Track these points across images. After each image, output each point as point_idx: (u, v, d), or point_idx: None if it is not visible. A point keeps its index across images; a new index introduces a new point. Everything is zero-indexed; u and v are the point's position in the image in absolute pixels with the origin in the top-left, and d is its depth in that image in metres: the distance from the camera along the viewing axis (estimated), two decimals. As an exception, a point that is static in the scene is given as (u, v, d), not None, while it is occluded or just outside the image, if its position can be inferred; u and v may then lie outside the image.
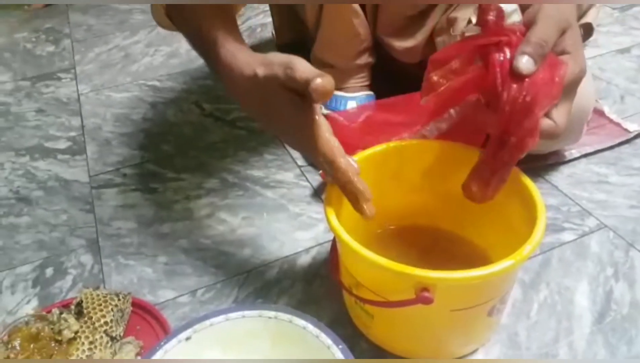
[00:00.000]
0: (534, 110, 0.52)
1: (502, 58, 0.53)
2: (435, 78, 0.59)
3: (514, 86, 0.52)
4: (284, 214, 0.85)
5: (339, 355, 0.56)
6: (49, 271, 0.79)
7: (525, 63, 0.52)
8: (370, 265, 0.54)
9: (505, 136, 0.54)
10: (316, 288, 0.73)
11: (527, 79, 0.52)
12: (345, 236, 0.56)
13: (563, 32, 0.55)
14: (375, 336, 0.65)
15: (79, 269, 0.79)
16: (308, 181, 0.91)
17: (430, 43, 0.90)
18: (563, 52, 0.55)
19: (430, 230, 0.73)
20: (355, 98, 0.97)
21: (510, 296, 0.69)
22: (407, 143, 0.69)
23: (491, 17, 0.55)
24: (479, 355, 0.64)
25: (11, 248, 0.83)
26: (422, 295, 0.52)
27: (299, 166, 0.94)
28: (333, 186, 0.61)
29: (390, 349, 0.64)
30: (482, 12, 0.55)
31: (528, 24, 0.55)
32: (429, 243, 0.72)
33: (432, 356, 0.64)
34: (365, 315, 0.62)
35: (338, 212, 0.59)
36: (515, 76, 0.52)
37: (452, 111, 0.65)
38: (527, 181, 0.61)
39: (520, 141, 0.53)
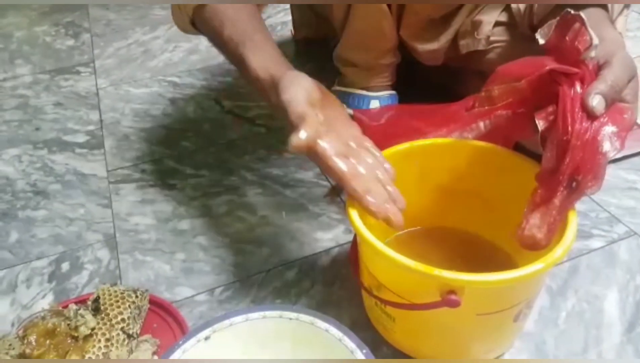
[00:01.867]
0: (602, 151, 0.50)
1: (573, 92, 0.52)
2: (496, 92, 0.57)
3: (586, 122, 0.51)
4: (303, 213, 0.84)
5: (362, 360, 0.54)
6: (65, 266, 0.78)
7: (598, 103, 0.50)
8: (395, 265, 0.52)
9: (576, 178, 0.51)
10: (336, 290, 0.71)
11: (596, 120, 0.51)
12: (368, 235, 0.54)
13: (629, 80, 0.54)
14: (396, 340, 0.63)
15: (95, 264, 0.78)
16: (328, 180, 0.89)
17: (454, 46, 0.88)
18: (622, 100, 0.54)
19: (455, 232, 0.71)
20: (378, 98, 0.95)
21: (536, 302, 0.68)
22: (432, 142, 0.67)
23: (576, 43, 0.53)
24: (504, 364, 0.62)
25: (27, 241, 0.82)
26: (449, 298, 0.51)
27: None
28: None
29: (412, 353, 0.62)
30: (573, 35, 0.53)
31: (601, 64, 0.53)
32: (453, 245, 0.70)
33: (455, 361, 0.62)
34: (386, 317, 0.61)
35: (360, 211, 0.58)
36: (587, 113, 0.51)
37: (481, 123, 0.63)
38: None
39: (588, 182, 0.51)
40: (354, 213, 0.57)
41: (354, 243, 0.63)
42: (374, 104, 0.95)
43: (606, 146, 0.51)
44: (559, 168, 0.52)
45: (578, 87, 0.52)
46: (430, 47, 0.89)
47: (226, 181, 0.91)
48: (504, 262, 0.66)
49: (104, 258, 0.79)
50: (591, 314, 0.67)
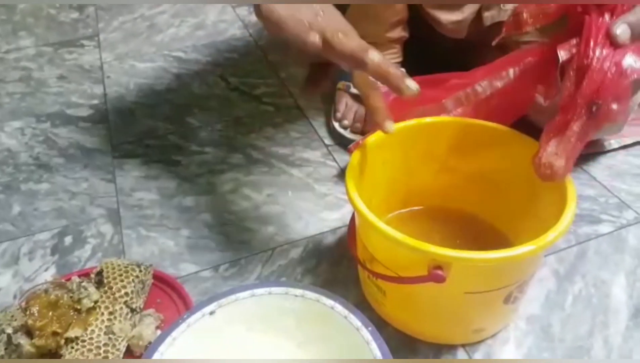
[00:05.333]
0: (626, 75, 0.49)
1: (600, 20, 0.51)
2: (525, 16, 0.56)
3: (608, 48, 0.50)
4: (309, 193, 0.83)
5: (368, 337, 0.54)
6: (68, 240, 0.77)
7: (623, 31, 0.50)
8: (385, 238, 0.52)
9: (596, 101, 0.50)
10: (342, 270, 0.70)
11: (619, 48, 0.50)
12: (362, 207, 0.54)
13: None
14: (386, 314, 0.63)
15: (98, 239, 0.77)
16: (335, 160, 0.88)
17: (478, 19, 0.86)
18: None
19: (457, 213, 0.71)
20: None
21: (541, 285, 0.67)
22: (440, 120, 0.66)
23: None
24: (510, 345, 0.62)
25: (30, 214, 0.82)
26: (435, 273, 0.50)
27: (326, 146, 0.91)
28: (356, 156, 0.60)
29: (401, 327, 0.62)
30: None
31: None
32: (454, 226, 0.69)
33: (443, 339, 0.62)
34: (377, 291, 0.60)
35: (360, 187, 0.57)
36: (610, 40, 0.50)
37: (510, 70, 0.61)
38: None
39: (609, 108, 0.50)
40: (351, 184, 0.56)
41: (353, 218, 0.63)
42: None
43: (629, 70, 0.50)
44: (577, 92, 0.51)
45: (607, 17, 0.51)
46: (454, 18, 0.86)
47: (232, 158, 0.90)
48: (504, 245, 0.66)
49: (107, 232, 0.78)
50: (598, 299, 0.66)
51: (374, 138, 0.63)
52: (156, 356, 0.51)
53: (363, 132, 0.89)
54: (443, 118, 0.66)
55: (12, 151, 0.94)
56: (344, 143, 0.90)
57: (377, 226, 0.52)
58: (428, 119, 0.66)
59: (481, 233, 0.69)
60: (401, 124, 0.64)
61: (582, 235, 0.74)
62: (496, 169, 0.65)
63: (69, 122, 1.01)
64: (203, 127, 0.97)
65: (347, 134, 0.90)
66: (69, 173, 0.89)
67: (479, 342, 0.62)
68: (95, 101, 1.07)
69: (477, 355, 0.61)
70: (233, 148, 0.92)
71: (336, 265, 0.71)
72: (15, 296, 0.67)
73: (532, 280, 0.59)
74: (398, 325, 0.63)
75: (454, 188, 0.69)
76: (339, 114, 0.91)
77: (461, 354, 0.61)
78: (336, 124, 0.91)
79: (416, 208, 0.71)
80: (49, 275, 0.71)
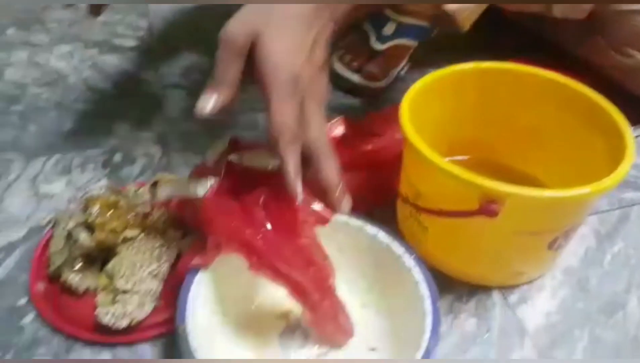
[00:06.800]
0: None
1: None
2: None
3: None
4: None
5: (411, 264, 0.55)
6: (118, 157, 0.79)
7: None
8: (439, 170, 0.52)
9: None
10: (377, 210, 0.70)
11: None
12: (415, 137, 0.54)
13: None
14: (427, 251, 0.62)
15: (147, 158, 0.78)
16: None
17: None
18: None
19: (503, 167, 0.70)
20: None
21: (582, 242, 0.68)
22: (498, 66, 0.65)
23: None
24: (545, 293, 0.63)
25: (80, 131, 0.83)
26: (488, 207, 0.51)
27: (370, 96, 0.92)
28: (411, 92, 0.60)
29: (441, 266, 0.62)
30: None
31: None
32: (499, 179, 0.69)
33: (482, 279, 0.63)
34: (418, 227, 0.61)
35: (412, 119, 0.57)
36: None
37: None
38: (615, 113, 0.58)
39: None
40: (405, 117, 0.56)
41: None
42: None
43: None
44: None
45: None
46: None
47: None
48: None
49: (155, 154, 0.79)
50: (636, 260, 0.67)
51: (428, 78, 0.63)
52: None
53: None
54: (501, 64, 0.65)
55: (62, 74, 0.96)
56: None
57: (430, 158, 0.52)
58: (485, 64, 0.65)
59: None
60: (457, 67, 0.64)
61: (626, 200, 0.74)
62: (550, 123, 0.65)
63: (115, 51, 1.02)
64: (246, 67, 0.97)
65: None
66: (117, 97, 0.90)
67: (515, 287, 0.64)
68: (141, 33, 1.07)
69: (512, 299, 0.62)
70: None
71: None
72: (69, 201, 0.69)
73: (575, 232, 0.60)
74: (436, 264, 0.62)
75: (502, 140, 0.69)
76: None
77: (496, 296, 0.63)
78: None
79: (460, 157, 0.71)
80: (100, 185, 0.73)
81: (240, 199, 0.55)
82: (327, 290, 0.53)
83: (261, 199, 0.55)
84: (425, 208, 0.58)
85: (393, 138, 0.66)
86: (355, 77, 0.90)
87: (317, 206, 0.58)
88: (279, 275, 0.51)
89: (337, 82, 0.92)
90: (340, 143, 0.69)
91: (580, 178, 0.52)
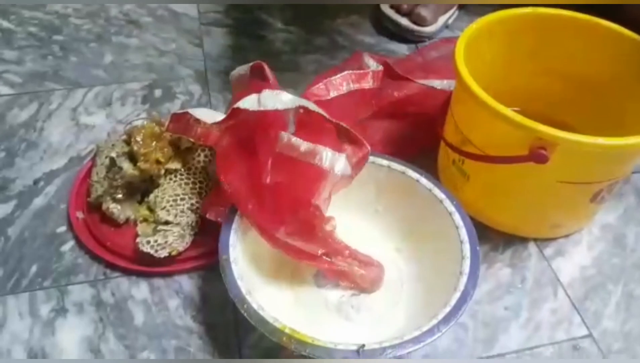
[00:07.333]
0: None
1: None
2: None
3: None
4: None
5: (452, 209, 0.56)
6: (158, 92, 0.79)
7: None
8: (491, 112, 0.51)
9: None
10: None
11: None
12: (470, 79, 0.53)
13: None
14: (465, 200, 0.60)
15: (187, 96, 0.79)
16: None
17: None
18: None
19: (552, 121, 0.68)
20: None
21: (618, 190, 0.66)
22: (547, 11, 0.63)
23: None
24: (582, 247, 0.63)
25: (121, 65, 0.84)
26: (538, 152, 0.50)
27: (416, 42, 0.90)
28: (466, 34, 0.58)
29: (478, 216, 0.61)
30: None
31: None
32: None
33: (519, 229, 0.63)
34: (459, 175, 0.60)
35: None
36: None
37: None
38: None
39: None
40: (460, 59, 0.55)
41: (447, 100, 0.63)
42: None
43: None
44: None
45: None
46: None
47: (316, 41, 0.90)
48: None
49: (195, 92, 0.80)
50: (675, 220, 0.67)
51: (484, 21, 0.61)
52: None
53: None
54: (560, 11, 0.63)
55: (103, 5, 0.95)
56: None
57: (484, 99, 0.52)
58: (543, 9, 0.63)
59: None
60: (514, 11, 0.62)
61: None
62: (605, 74, 0.63)
63: (156, -14, 1.01)
64: (289, 6, 0.96)
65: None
66: (158, 32, 0.90)
67: (552, 239, 0.63)
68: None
69: (548, 251, 0.63)
70: (318, 31, 0.92)
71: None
72: (109, 134, 0.70)
73: (618, 187, 0.59)
74: (475, 213, 0.62)
75: (553, 91, 0.67)
76: None
77: (532, 248, 0.63)
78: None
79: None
80: (140, 120, 0.74)
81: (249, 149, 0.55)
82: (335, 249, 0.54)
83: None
84: (472, 154, 0.57)
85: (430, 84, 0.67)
86: (403, 20, 0.89)
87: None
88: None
89: (385, 24, 0.91)
90: (377, 91, 0.69)
91: (628, 133, 0.50)
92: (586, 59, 0.64)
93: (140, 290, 0.57)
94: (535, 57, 0.66)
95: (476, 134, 0.57)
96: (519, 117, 0.50)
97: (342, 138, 0.56)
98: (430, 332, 0.46)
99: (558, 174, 0.54)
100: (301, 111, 0.55)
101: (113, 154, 0.59)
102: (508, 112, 0.51)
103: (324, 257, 0.54)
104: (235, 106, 0.54)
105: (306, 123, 0.56)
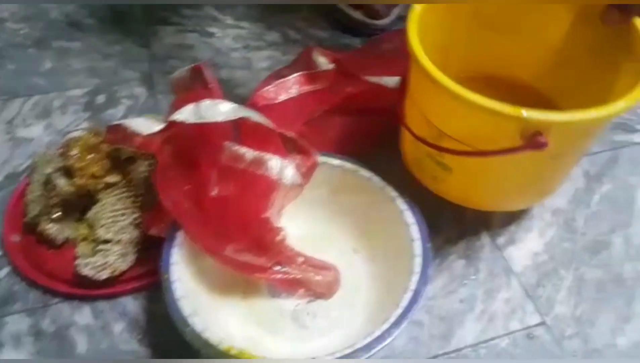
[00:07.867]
0: None
1: None
2: None
3: None
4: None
5: (403, 207, 0.56)
6: (101, 98, 0.77)
7: None
8: (476, 109, 0.46)
9: None
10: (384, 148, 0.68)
11: None
12: (439, 74, 0.48)
13: None
14: (448, 190, 0.59)
15: (132, 100, 0.77)
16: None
17: None
18: None
19: (517, 87, 0.66)
20: None
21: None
22: None
23: None
24: (533, 234, 0.63)
25: (62, 71, 0.81)
26: (535, 140, 0.46)
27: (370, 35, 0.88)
28: (415, 14, 0.54)
29: (464, 202, 0.60)
30: None
31: None
32: (506, 98, 0.56)
33: (503, 206, 0.62)
34: (439, 168, 0.56)
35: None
36: None
37: None
38: None
39: None
40: (416, 42, 0.51)
41: (403, 87, 0.58)
42: None
43: None
44: None
45: None
46: None
47: (268, 36, 0.88)
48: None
49: (141, 95, 0.78)
50: (624, 201, 0.67)
51: None
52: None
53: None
54: None
55: (43, 7, 0.92)
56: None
57: (459, 93, 0.47)
58: None
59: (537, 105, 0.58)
60: None
61: (616, 142, 0.74)
62: (576, 38, 0.60)
63: (99, -16, 0.98)
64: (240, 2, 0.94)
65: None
66: (101, 34, 0.87)
67: (503, 228, 0.64)
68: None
69: (500, 240, 0.63)
70: (270, 25, 0.90)
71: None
72: (48, 147, 0.68)
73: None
74: (460, 200, 0.60)
75: (520, 55, 0.65)
76: None
77: (484, 238, 0.63)
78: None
79: (466, 75, 0.59)
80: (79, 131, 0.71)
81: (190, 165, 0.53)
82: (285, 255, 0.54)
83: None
84: (454, 149, 0.53)
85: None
86: (356, 14, 0.87)
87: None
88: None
89: (337, 17, 0.89)
90: (328, 90, 0.68)
91: (596, 100, 0.48)
92: (556, 22, 0.61)
93: (83, 315, 0.55)
94: (499, 21, 0.62)
95: (455, 128, 0.52)
96: (507, 108, 0.46)
97: (289, 148, 0.55)
98: (381, 338, 0.47)
99: (554, 153, 0.50)
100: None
101: (48, 170, 0.57)
102: (494, 103, 0.46)
103: (276, 268, 0.53)
104: (171, 118, 0.52)
105: (252, 130, 0.55)
